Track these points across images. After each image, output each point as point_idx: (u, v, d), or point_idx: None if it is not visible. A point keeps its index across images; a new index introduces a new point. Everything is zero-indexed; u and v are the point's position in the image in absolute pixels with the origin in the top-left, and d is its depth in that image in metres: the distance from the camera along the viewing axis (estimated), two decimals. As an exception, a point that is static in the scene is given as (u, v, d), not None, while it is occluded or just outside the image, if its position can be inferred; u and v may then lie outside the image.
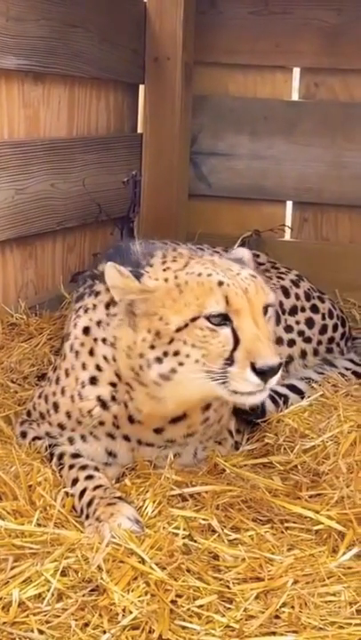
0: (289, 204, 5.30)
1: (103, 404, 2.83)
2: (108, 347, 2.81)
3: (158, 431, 2.84)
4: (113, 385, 2.82)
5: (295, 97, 5.22)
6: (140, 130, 5.19)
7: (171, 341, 2.63)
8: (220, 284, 2.62)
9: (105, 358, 2.82)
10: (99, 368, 2.83)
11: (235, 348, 2.59)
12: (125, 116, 5.09)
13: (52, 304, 4.35)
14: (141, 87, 5.14)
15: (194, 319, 2.61)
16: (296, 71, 5.19)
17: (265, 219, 5.23)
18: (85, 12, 4.46)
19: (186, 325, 2.61)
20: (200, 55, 5.18)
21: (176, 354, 2.62)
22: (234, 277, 2.66)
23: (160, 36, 5.02)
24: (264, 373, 2.56)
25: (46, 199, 4.31)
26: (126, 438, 2.86)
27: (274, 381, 2.60)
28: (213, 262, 2.72)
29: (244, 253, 2.96)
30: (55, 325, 4.09)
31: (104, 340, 2.83)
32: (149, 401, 2.76)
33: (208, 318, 2.60)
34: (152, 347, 2.66)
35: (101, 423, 2.85)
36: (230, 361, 2.58)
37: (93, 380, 2.84)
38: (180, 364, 2.63)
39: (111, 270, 2.69)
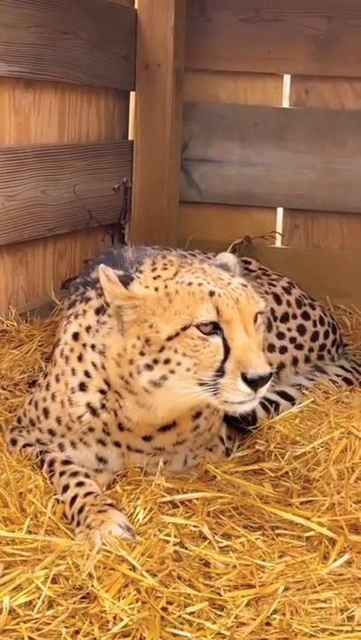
0: (280, 210, 5.31)
1: (93, 411, 2.83)
2: (97, 354, 2.81)
3: (147, 439, 2.84)
4: (102, 392, 2.82)
5: (286, 104, 5.23)
6: (130, 136, 5.19)
7: (161, 349, 2.62)
8: (212, 294, 2.62)
9: (94, 365, 2.82)
10: (87, 374, 2.83)
11: (225, 359, 2.58)
12: (116, 123, 5.09)
13: (42, 311, 4.35)
14: (132, 94, 5.14)
15: (185, 328, 2.60)
16: (287, 78, 5.21)
17: (256, 225, 5.24)
18: (76, 18, 4.47)
19: (177, 334, 2.61)
20: (191, 62, 5.19)
21: (167, 362, 2.62)
22: (225, 287, 2.66)
23: (151, 43, 5.03)
24: (255, 383, 2.56)
25: (37, 206, 4.30)
26: (117, 444, 2.86)
27: (264, 390, 2.60)
28: (204, 271, 2.72)
29: (229, 259, 2.96)
30: (46, 332, 4.08)
31: (93, 347, 2.82)
32: (139, 409, 2.76)
33: (198, 327, 2.60)
34: (142, 353, 2.66)
35: (91, 429, 2.84)
36: (221, 372, 2.57)
37: (83, 387, 2.84)
38: (172, 371, 2.62)
39: (100, 274, 2.69)
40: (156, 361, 2.63)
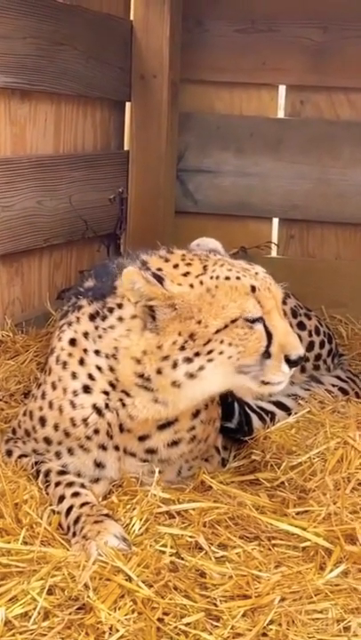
0: (275, 220, 5.31)
1: (98, 412, 2.83)
2: (103, 358, 2.81)
3: (143, 438, 2.84)
4: (105, 393, 2.82)
5: (281, 114, 5.24)
6: (126, 147, 5.20)
7: (207, 342, 2.70)
8: (253, 288, 2.75)
9: (98, 368, 2.82)
10: (91, 377, 2.83)
11: (269, 344, 2.74)
12: (112, 134, 5.10)
13: (38, 321, 4.35)
14: (128, 104, 5.15)
15: (234, 320, 2.70)
16: (282, 89, 5.22)
17: (251, 235, 5.24)
18: (72, 30, 4.48)
19: (225, 327, 2.70)
20: (186, 73, 5.20)
21: (209, 352, 2.70)
22: (257, 277, 2.78)
23: (146, 54, 5.04)
24: (295, 363, 2.78)
25: (33, 216, 4.30)
26: (116, 448, 2.85)
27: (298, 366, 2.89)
28: (230, 263, 2.81)
29: (216, 244, 3.02)
30: (42, 342, 4.08)
31: (97, 352, 2.82)
32: (153, 406, 2.77)
33: (246, 318, 2.71)
34: (182, 348, 2.71)
35: (96, 431, 2.84)
36: (267, 354, 2.74)
37: (87, 389, 2.84)
38: (210, 360, 2.71)
39: (135, 276, 2.68)
40: (197, 354, 2.71)
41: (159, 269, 2.75)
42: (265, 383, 2.76)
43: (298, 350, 2.76)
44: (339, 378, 3.86)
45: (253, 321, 2.72)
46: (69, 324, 2.92)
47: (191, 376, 2.71)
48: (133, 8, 5.04)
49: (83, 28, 4.58)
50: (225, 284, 2.73)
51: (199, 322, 2.70)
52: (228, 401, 3.12)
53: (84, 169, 4.72)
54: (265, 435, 3.22)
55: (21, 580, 2.35)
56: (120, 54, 4.97)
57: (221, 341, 2.70)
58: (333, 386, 3.79)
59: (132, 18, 5.04)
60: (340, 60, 5.05)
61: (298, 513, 2.77)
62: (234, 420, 3.14)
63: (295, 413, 3.44)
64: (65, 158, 4.60)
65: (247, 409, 3.27)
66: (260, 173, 5.22)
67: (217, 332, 2.70)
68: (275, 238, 5.29)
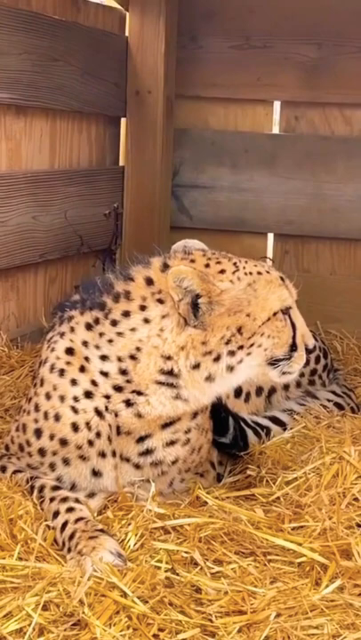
0: (270, 236, 5.32)
1: (99, 414, 2.83)
2: (112, 362, 2.81)
3: (142, 439, 2.85)
4: (107, 397, 2.82)
5: (276, 130, 5.26)
6: (121, 163, 5.21)
7: (251, 336, 2.80)
8: (282, 279, 2.92)
9: (103, 374, 2.82)
10: (94, 383, 2.83)
11: (294, 334, 2.89)
12: (107, 149, 5.11)
13: (33, 336, 4.34)
14: (123, 120, 5.16)
15: (275, 313, 2.85)
16: (277, 104, 5.23)
17: (246, 251, 5.23)
18: (67, 46, 4.49)
19: (268, 319, 2.81)
20: (181, 89, 5.21)
21: (251, 346, 2.80)
22: (275, 270, 2.93)
23: (141, 70, 5.05)
24: (310, 352, 3.02)
25: (28, 231, 4.31)
26: (113, 453, 2.85)
27: None
28: (249, 260, 2.92)
29: (202, 245, 3.08)
30: (37, 358, 4.07)
31: (103, 358, 2.82)
32: (172, 402, 2.81)
33: (282, 310, 2.86)
34: (228, 342, 2.79)
35: (98, 434, 2.83)
36: (294, 346, 2.89)
37: (89, 395, 2.84)
38: (249, 354, 2.80)
39: (188, 274, 2.74)
40: (241, 347, 2.80)
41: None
42: (285, 373, 2.90)
43: (312, 339, 2.94)
44: (334, 393, 3.86)
45: (286, 312, 2.86)
46: (61, 334, 2.92)
47: (231, 369, 2.80)
48: (129, 24, 5.06)
49: (78, 45, 4.60)
50: (261, 278, 2.86)
51: (248, 315, 2.80)
52: (222, 416, 3.12)
53: (79, 184, 4.73)
54: (260, 450, 3.22)
55: (16, 596, 2.34)
56: (115, 70, 4.99)
57: (262, 334, 2.81)
58: (329, 401, 3.78)
59: (127, 34, 5.06)
60: (335, 76, 5.06)
61: (293, 528, 2.77)
62: (229, 435, 3.14)
63: (291, 428, 3.44)
64: (60, 174, 4.61)
65: (242, 424, 3.27)
66: (255, 189, 5.23)
67: (262, 324, 2.79)
68: (270, 254, 5.29)
